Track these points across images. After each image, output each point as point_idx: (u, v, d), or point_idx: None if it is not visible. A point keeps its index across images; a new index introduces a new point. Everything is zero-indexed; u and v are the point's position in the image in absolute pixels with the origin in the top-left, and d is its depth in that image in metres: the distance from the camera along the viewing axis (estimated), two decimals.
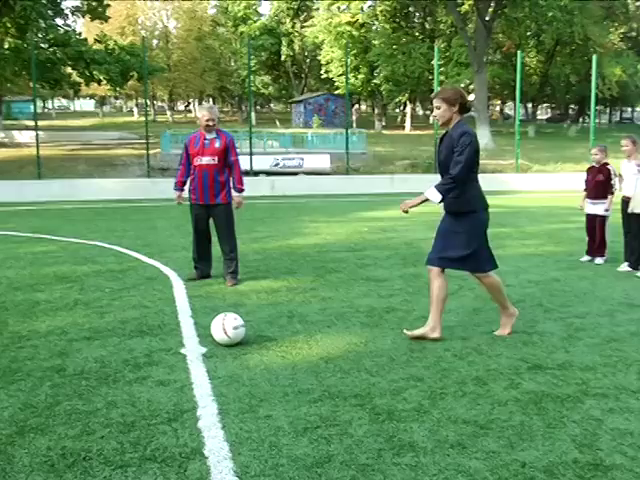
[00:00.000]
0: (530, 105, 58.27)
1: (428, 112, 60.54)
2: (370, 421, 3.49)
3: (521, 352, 4.64)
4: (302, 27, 58.76)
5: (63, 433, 3.37)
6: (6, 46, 27.85)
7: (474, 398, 3.80)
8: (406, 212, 4.96)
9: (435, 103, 4.78)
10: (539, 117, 66.97)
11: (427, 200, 4.78)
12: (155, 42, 58.40)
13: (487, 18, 34.47)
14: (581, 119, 58.02)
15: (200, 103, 62.07)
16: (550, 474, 2.97)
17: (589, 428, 3.42)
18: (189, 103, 74.62)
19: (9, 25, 27.17)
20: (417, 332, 4.91)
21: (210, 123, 6.69)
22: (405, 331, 4.99)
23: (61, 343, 4.89)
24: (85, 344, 4.86)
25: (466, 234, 4.80)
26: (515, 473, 2.97)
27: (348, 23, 48.09)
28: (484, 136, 32.69)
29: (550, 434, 3.35)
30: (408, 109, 53.59)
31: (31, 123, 29.77)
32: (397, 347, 4.75)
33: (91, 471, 3.00)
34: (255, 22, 60.86)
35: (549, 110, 78.49)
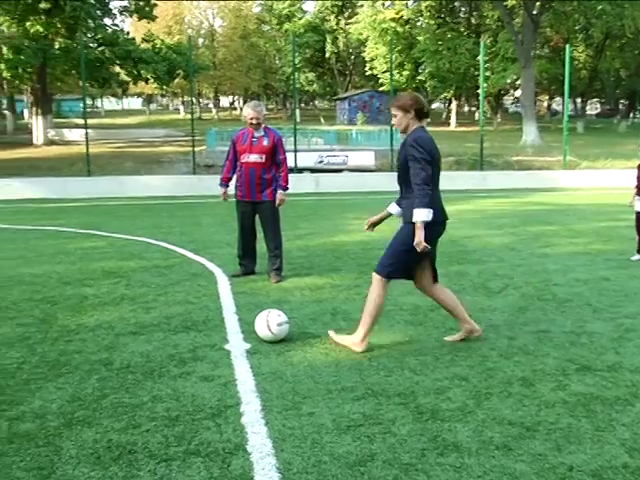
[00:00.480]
0: (579, 100, 57.10)
1: (473, 108, 59.85)
2: (414, 420, 3.46)
3: (569, 353, 4.54)
4: (346, 24, 58.67)
5: (109, 426, 3.43)
6: (56, 46, 28.49)
7: (520, 399, 3.73)
8: (426, 248, 4.41)
9: (392, 111, 4.59)
10: (588, 112, 65.53)
11: (424, 222, 4.33)
12: (201, 41, 59.10)
13: (534, 12, 33.87)
14: (631, 114, 56.57)
15: (245, 101, 62.54)
16: (598, 478, 2.89)
17: (639, 432, 3.32)
18: (234, 100, 75.23)
19: (59, 25, 27.78)
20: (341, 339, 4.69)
21: (254, 121, 6.70)
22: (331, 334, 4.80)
23: (108, 337, 4.98)
24: (131, 339, 4.94)
25: (402, 239, 4.53)
26: (562, 477, 2.91)
27: (393, 19, 47.86)
28: (531, 132, 32.16)
29: (599, 437, 3.27)
30: (453, 105, 53.04)
31: (80, 121, 30.40)
32: (441, 346, 4.70)
33: (136, 464, 3.04)
34: (300, 19, 61.01)
35: (598, 105, 76.76)
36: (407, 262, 4.58)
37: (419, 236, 4.34)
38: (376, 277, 4.59)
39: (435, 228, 4.50)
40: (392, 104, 4.65)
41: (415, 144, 4.40)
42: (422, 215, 4.35)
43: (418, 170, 4.37)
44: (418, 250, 4.38)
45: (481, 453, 3.10)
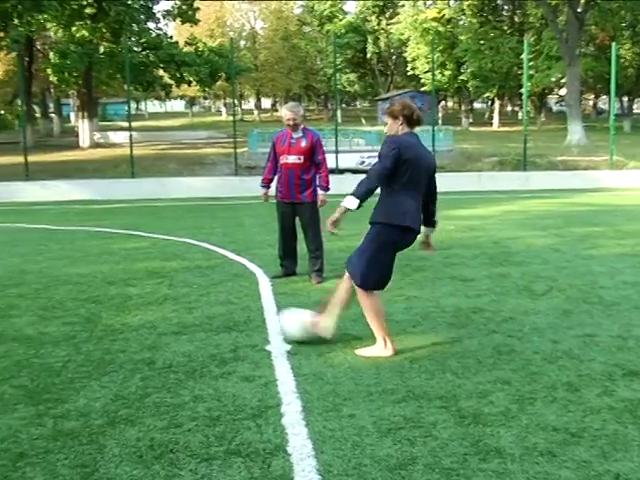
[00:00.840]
0: (626, 99, 55.77)
1: (516, 108, 59.04)
2: (455, 424, 3.42)
3: (616, 357, 4.43)
4: (388, 24, 58.47)
5: (152, 425, 3.47)
6: (102, 50, 29.04)
7: (565, 404, 3.66)
8: (333, 233, 4.47)
9: (384, 119, 4.66)
10: (635, 111, 64.02)
11: (347, 210, 4.30)
12: (242, 43, 59.59)
13: (579, 9, 33.25)
14: None
15: (286, 102, 62.84)
16: None
17: None
18: (276, 102, 75.64)
19: (104, 30, 28.32)
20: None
21: (291, 122, 6.72)
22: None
23: (151, 337, 5.04)
24: (174, 338, 4.99)
25: (366, 243, 4.49)
26: None
27: (434, 19, 47.52)
28: (576, 132, 31.57)
29: None
30: (496, 105, 52.40)
31: (125, 124, 30.93)
32: (483, 348, 4.63)
33: (177, 463, 3.06)
34: (341, 20, 61.01)
35: None
36: (378, 264, 4.48)
37: (335, 215, 4.33)
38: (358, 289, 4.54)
39: (399, 233, 4.41)
40: (384, 112, 4.72)
41: (389, 142, 4.37)
42: (350, 203, 4.28)
43: (377, 165, 4.37)
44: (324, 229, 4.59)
45: (524, 459, 3.04)
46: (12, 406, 3.74)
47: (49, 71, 27.59)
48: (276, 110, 71.28)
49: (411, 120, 4.47)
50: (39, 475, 2.98)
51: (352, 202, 4.28)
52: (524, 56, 21.01)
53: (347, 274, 4.63)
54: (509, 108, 65.43)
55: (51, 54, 27.76)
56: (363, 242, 4.55)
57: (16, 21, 25.83)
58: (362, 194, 4.29)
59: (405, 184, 4.38)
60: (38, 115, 44.13)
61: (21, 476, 2.98)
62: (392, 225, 4.38)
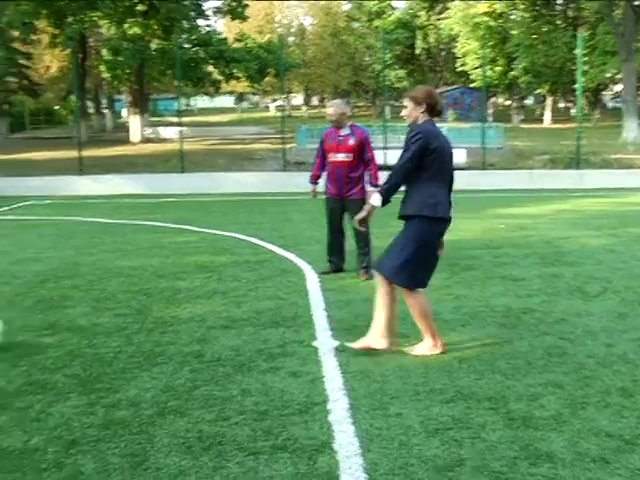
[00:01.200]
0: None
1: (569, 104, 57.80)
2: (504, 426, 3.36)
3: None
4: (437, 19, 57.84)
5: (200, 417, 3.51)
6: (153, 47, 29.48)
7: (619, 410, 3.56)
8: (364, 228, 4.76)
9: (404, 102, 4.51)
10: None
11: (374, 207, 4.42)
12: (291, 39, 59.69)
13: (637, 3, 32.31)
14: None
15: (334, 98, 62.77)
16: None
17: None
18: (324, 98, 75.66)
19: (155, 27, 28.71)
20: (360, 343, 4.49)
21: (333, 118, 6.72)
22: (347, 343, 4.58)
23: (200, 330, 5.10)
24: (222, 332, 5.04)
25: (404, 239, 4.40)
26: None
27: (485, 13, 46.73)
28: (632, 129, 30.70)
29: None
30: (548, 102, 51.37)
31: (175, 119, 31.36)
32: (534, 350, 4.55)
33: (225, 455, 3.09)
34: (389, 16, 60.60)
35: None
36: (422, 261, 4.39)
37: (362, 212, 4.50)
38: (405, 293, 4.45)
39: (436, 224, 4.37)
40: (406, 94, 4.57)
41: (414, 132, 4.30)
42: (376, 200, 4.36)
43: (401, 160, 4.32)
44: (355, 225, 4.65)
45: (576, 465, 2.98)
46: (65, 395, 3.84)
47: (102, 68, 28.12)
48: (324, 106, 71.34)
49: (433, 110, 4.41)
50: (90, 462, 3.05)
51: (378, 199, 4.34)
52: (578, 51, 20.54)
53: (380, 277, 4.50)
54: (562, 105, 64.11)
55: (104, 51, 28.28)
56: (398, 239, 4.46)
57: (70, 19, 26.43)
58: (385, 191, 4.33)
59: (434, 174, 4.35)
60: (91, 111, 45.10)
61: (73, 463, 3.05)
62: (428, 217, 4.32)
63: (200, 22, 33.33)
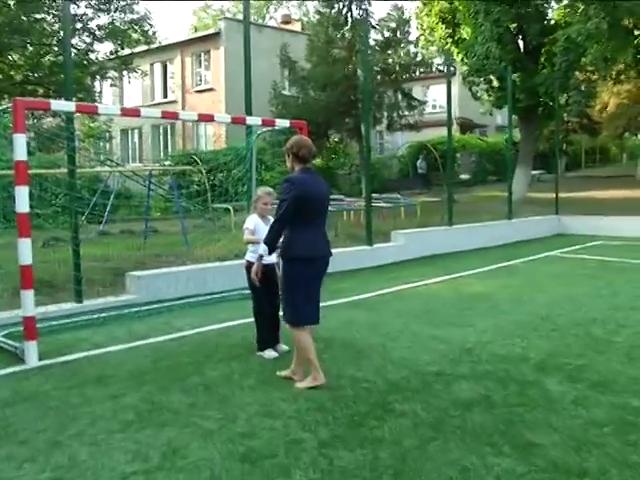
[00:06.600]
0: None
1: None
2: None
3: None
4: None
5: None
6: None
7: None
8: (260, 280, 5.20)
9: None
10: None
11: (262, 257, 5.02)
12: None
13: None
14: None
15: None
16: None
17: None
18: None
19: None
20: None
21: None
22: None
23: None
24: None
25: (283, 281, 5.00)
26: None
27: None
28: None
29: None
30: None
31: None
32: None
33: None
34: None
35: None
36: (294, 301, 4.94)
37: (255, 265, 5.17)
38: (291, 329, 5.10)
39: (307, 263, 4.87)
40: None
41: (286, 184, 4.85)
42: (262, 248, 4.94)
43: (277, 210, 4.86)
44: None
45: None
46: None
47: None
48: None
49: (297, 157, 4.95)
50: None
51: (263, 248, 4.99)
52: None
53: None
54: None
55: None
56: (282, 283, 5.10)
57: None
58: (269, 239, 4.92)
59: (305, 217, 4.85)
60: None
61: None
62: (303, 259, 4.87)
63: None
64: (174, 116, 8.03)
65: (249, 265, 5.60)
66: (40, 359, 5.89)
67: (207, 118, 9.18)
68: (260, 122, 8.03)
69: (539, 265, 12.16)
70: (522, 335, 6.65)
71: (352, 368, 5.54)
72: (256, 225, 5.91)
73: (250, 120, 8.11)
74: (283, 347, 6.06)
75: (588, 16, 17.11)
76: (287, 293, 4.99)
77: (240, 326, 7.13)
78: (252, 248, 5.76)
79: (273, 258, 5.40)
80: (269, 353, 5.93)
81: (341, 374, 5.37)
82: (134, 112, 8.69)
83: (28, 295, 5.92)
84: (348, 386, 5.06)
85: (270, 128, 8.32)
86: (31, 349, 5.88)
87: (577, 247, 14.70)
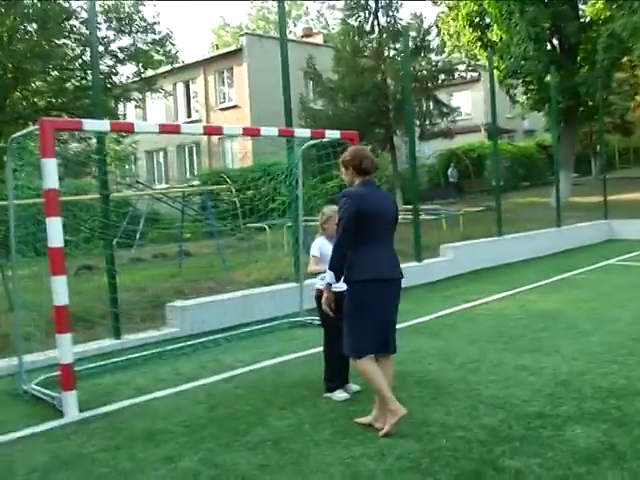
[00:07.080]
0: None
1: None
2: None
3: None
4: None
5: None
6: None
7: None
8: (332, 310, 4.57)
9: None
10: None
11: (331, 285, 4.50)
12: None
13: None
14: None
15: None
16: None
17: None
18: None
19: None
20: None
21: None
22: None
23: None
24: None
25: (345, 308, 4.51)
26: None
27: None
28: None
29: None
30: None
31: None
32: None
33: None
34: None
35: None
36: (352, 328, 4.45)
37: (325, 293, 4.56)
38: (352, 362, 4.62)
39: (367, 287, 4.37)
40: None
41: (343, 200, 4.41)
42: (329, 277, 4.43)
43: (339, 229, 4.42)
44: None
45: None
46: None
47: None
48: None
49: (360, 169, 4.50)
50: None
51: (330, 276, 4.42)
52: None
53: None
54: None
55: None
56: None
57: None
58: (333, 265, 4.40)
59: (366, 235, 4.38)
60: None
61: None
62: (362, 281, 4.38)
63: None
64: (219, 131, 7.41)
65: (319, 294, 4.87)
66: (80, 410, 5.24)
67: (253, 132, 8.48)
68: (309, 134, 7.38)
69: (602, 275, 11.30)
70: (619, 362, 5.86)
71: (438, 411, 4.79)
72: (322, 250, 5.21)
73: (298, 132, 7.47)
74: (354, 387, 5.33)
75: (632, 9, 16.30)
76: (345, 320, 4.50)
77: (296, 361, 6.42)
78: (321, 275, 5.06)
79: (343, 285, 4.59)
80: (339, 395, 5.21)
81: (427, 419, 4.63)
82: (174, 128, 8.11)
83: (65, 339, 5.25)
84: (440, 435, 4.32)
85: (317, 140, 7.61)
86: (70, 400, 5.21)
87: (635, 254, 13.79)
